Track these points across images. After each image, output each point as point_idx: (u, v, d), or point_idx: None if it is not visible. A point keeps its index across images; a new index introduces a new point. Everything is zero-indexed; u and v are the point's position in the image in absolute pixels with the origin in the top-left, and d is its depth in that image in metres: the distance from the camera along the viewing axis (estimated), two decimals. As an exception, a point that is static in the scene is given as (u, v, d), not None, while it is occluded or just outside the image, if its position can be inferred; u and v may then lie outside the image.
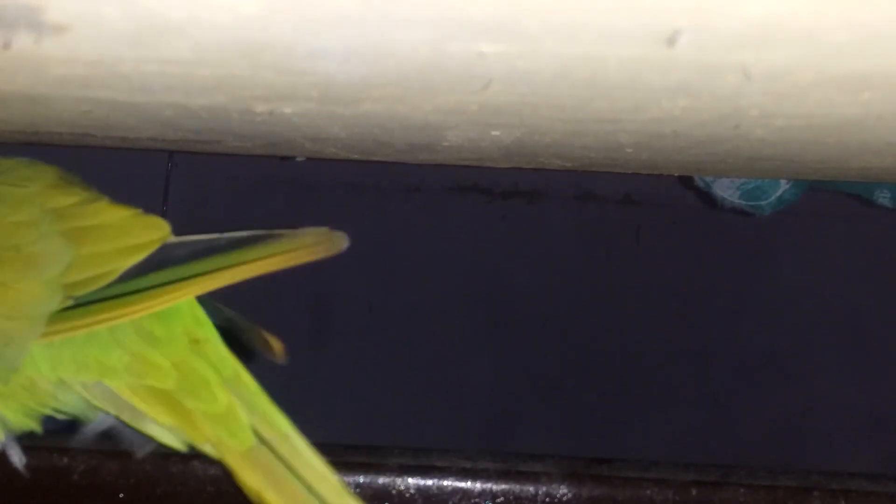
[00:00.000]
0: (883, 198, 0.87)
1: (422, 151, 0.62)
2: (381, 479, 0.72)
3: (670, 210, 1.27)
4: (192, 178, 1.16)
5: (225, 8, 0.28)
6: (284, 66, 0.34)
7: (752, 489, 0.75)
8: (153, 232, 0.65)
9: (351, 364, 1.21)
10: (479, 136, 0.51)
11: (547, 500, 0.74)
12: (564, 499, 0.74)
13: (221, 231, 0.65)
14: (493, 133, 0.49)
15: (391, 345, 1.22)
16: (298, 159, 0.81)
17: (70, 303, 0.63)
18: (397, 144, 0.59)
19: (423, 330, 1.22)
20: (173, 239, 0.65)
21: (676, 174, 0.89)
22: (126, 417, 0.65)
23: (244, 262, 0.64)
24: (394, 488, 0.72)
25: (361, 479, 0.72)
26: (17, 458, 0.71)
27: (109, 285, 0.63)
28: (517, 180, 1.26)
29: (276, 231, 0.65)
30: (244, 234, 0.65)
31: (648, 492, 0.74)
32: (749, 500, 0.75)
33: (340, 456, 0.73)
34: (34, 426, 0.68)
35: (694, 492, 0.74)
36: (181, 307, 0.66)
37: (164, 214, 1.05)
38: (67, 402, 0.66)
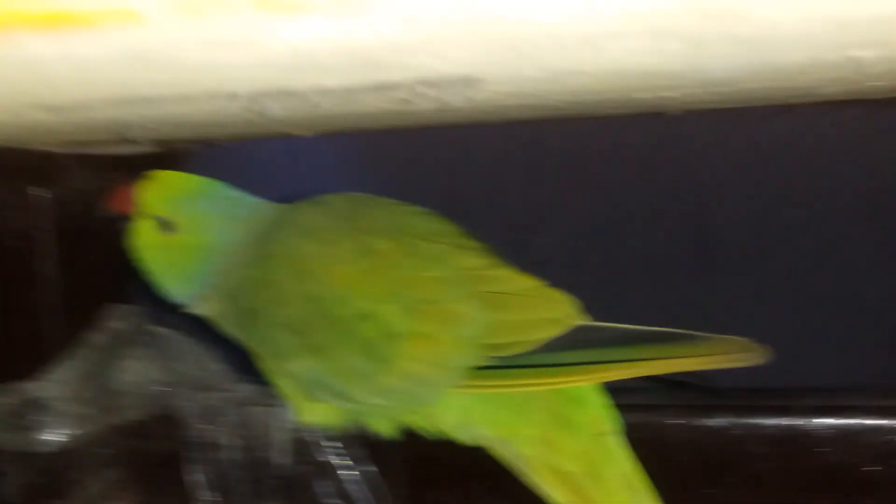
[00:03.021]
0: None
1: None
2: (794, 421, 0.73)
3: None
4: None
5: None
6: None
7: None
8: (564, 307, 0.67)
9: (738, 296, 1.15)
10: None
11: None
12: None
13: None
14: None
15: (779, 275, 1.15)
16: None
17: (489, 362, 0.66)
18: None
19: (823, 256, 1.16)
20: (590, 323, 0.67)
21: None
22: (522, 474, 0.68)
23: (663, 358, 0.64)
24: (807, 429, 0.72)
25: (774, 422, 0.73)
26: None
27: (528, 353, 0.66)
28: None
29: (696, 333, 0.64)
30: (664, 330, 0.65)
31: None
32: None
33: (750, 400, 0.75)
34: (392, 435, 0.73)
35: None
36: (592, 398, 0.68)
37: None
38: (459, 436, 0.70)
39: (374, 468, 0.78)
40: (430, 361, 0.66)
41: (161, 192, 0.73)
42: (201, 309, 0.76)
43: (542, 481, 0.68)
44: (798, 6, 0.27)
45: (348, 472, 0.78)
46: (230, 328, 0.76)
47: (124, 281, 0.84)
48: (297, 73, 0.32)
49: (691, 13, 0.27)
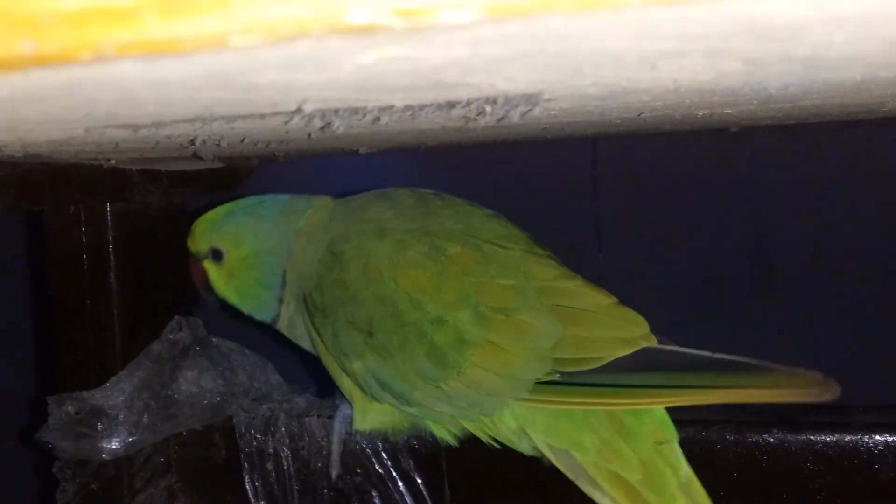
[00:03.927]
0: None
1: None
2: (848, 437, 0.72)
3: None
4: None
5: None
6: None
7: None
8: (636, 328, 0.67)
9: (796, 315, 1.14)
10: None
11: None
12: None
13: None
14: None
15: (838, 294, 1.15)
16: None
17: (556, 377, 0.66)
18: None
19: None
20: (659, 345, 0.66)
21: None
22: (581, 483, 0.69)
23: (730, 387, 0.63)
24: (862, 445, 0.72)
25: (828, 438, 0.73)
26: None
27: (597, 371, 0.65)
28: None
29: (768, 363, 0.64)
30: (733, 357, 0.65)
31: None
32: None
33: (804, 416, 0.74)
34: (450, 441, 0.76)
35: None
36: (654, 408, 0.68)
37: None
38: (517, 445, 0.71)
39: (425, 479, 0.79)
40: (498, 371, 0.67)
41: (201, 228, 0.79)
42: (284, 321, 0.78)
43: (601, 489, 0.68)
44: (851, 27, 0.27)
45: (400, 482, 0.79)
46: (300, 333, 0.78)
47: (186, 294, 0.85)
48: (365, 92, 0.34)
49: (747, 35, 0.28)
